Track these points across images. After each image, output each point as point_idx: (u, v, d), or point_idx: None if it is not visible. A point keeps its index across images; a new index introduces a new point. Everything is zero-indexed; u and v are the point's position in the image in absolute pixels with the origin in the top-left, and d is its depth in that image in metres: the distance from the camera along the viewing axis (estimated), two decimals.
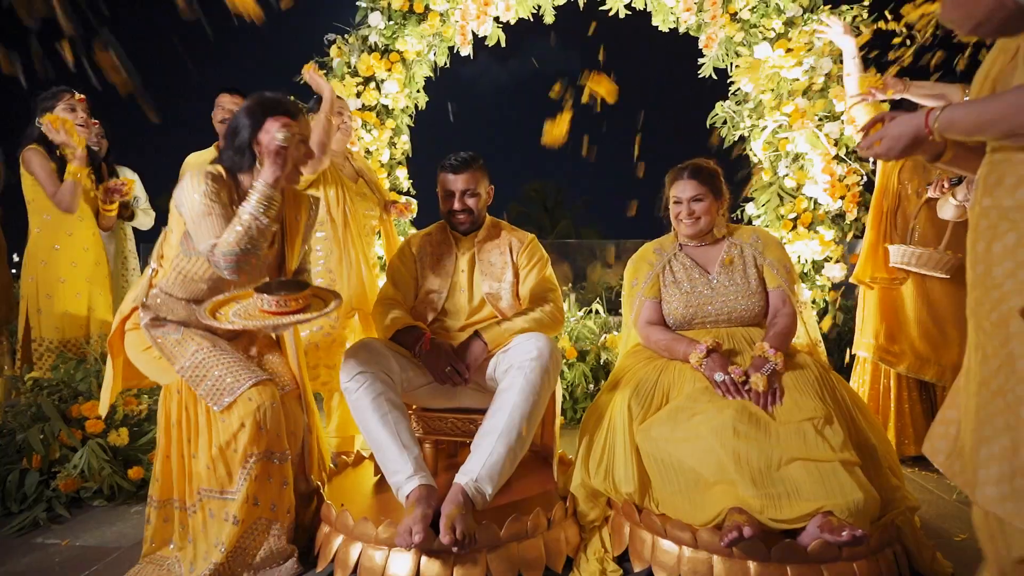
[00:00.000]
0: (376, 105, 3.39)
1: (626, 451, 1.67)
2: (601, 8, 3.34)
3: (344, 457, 2.15)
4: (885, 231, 2.54)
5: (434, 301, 2.03)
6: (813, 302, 3.15)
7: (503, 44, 3.43)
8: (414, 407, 1.98)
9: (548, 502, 1.77)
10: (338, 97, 2.60)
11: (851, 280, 2.73)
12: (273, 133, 1.55)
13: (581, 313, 3.74)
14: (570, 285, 6.76)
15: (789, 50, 3.09)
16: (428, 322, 2.03)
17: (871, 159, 3.02)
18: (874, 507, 1.44)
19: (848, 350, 2.72)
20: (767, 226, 3.21)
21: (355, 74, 3.34)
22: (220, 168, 1.63)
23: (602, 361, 3.35)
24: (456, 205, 2.01)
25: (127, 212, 3.20)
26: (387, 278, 2.12)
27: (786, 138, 3.13)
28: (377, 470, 1.97)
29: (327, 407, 2.64)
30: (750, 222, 3.29)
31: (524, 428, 1.64)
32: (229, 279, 1.56)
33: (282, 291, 1.54)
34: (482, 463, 1.59)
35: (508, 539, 1.56)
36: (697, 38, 3.35)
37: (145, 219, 3.30)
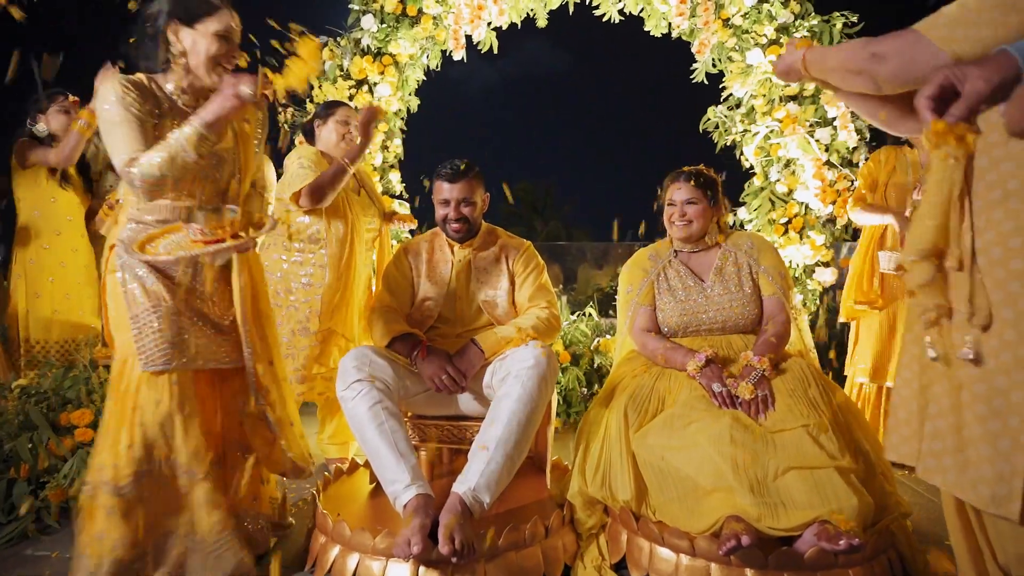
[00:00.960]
0: None
1: (623, 458, 1.67)
2: (594, 12, 3.35)
3: (339, 465, 2.13)
4: (872, 254, 2.61)
5: (430, 309, 2.03)
6: (804, 305, 3.17)
7: (495, 50, 3.43)
8: (409, 414, 1.98)
9: (544, 509, 1.77)
10: (344, 104, 2.57)
11: (842, 320, 2.80)
12: (239, 87, 1.43)
13: (574, 317, 3.74)
14: (561, 287, 6.77)
15: (781, 56, 3.11)
16: (424, 330, 2.02)
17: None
18: (869, 513, 1.46)
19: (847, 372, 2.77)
20: (758, 231, 3.24)
21: (347, 77, 3.32)
22: (141, 75, 1.53)
23: (595, 365, 3.36)
24: (451, 214, 2.00)
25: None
26: (382, 285, 2.10)
27: (778, 143, 3.15)
28: (372, 478, 1.96)
29: (321, 415, 2.63)
30: (742, 226, 3.31)
31: (522, 437, 1.64)
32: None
33: (211, 219, 1.49)
34: (480, 472, 1.58)
35: (506, 548, 1.56)
36: (690, 43, 3.37)
37: None
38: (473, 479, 1.58)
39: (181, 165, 1.44)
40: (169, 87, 1.56)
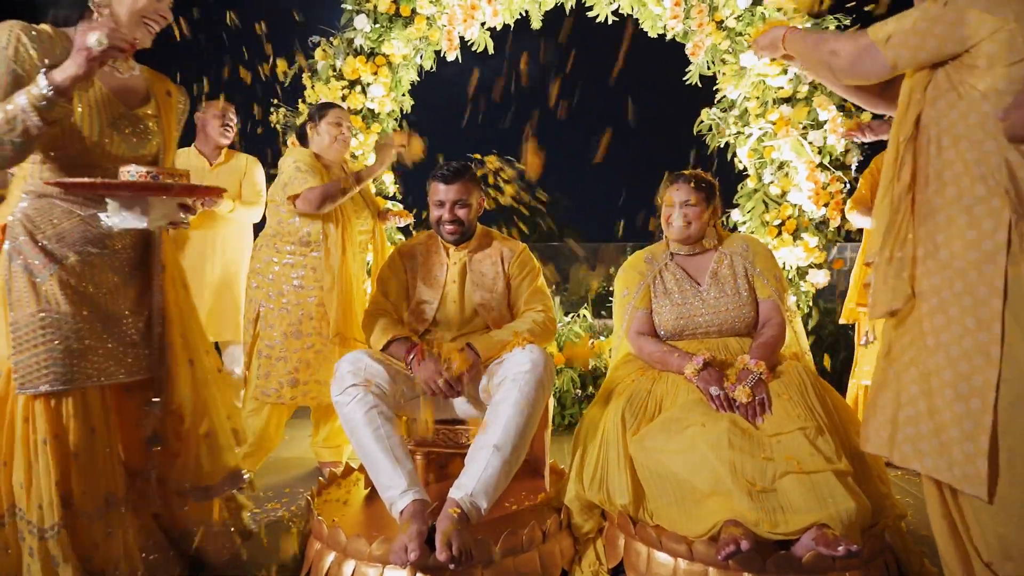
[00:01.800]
0: (362, 109, 3.35)
1: (620, 462, 1.66)
2: (588, 14, 3.35)
3: (333, 470, 2.11)
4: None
5: (425, 312, 2.01)
6: (798, 307, 3.19)
7: (491, 51, 3.42)
8: (404, 418, 1.96)
9: (541, 514, 1.76)
10: (337, 106, 2.55)
11: (841, 321, 2.85)
12: (86, 37, 1.19)
13: (568, 319, 3.74)
14: (555, 287, 6.77)
15: (774, 59, 3.12)
16: (419, 333, 2.00)
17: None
18: (866, 516, 1.46)
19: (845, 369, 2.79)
20: (752, 232, 3.25)
21: (340, 77, 3.30)
22: (47, 27, 1.37)
23: (590, 366, 3.36)
24: (446, 215, 1.98)
25: None
26: (376, 288, 2.09)
27: (771, 146, 3.16)
28: (367, 483, 1.94)
29: (315, 418, 2.60)
30: (736, 228, 3.32)
31: (519, 441, 1.63)
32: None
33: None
34: (477, 477, 1.57)
35: (504, 554, 1.55)
36: (684, 45, 3.37)
37: None
38: (470, 484, 1.57)
39: (22, 131, 1.21)
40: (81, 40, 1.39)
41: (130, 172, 1.32)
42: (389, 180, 3.48)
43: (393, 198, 3.49)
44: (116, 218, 1.36)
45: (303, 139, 2.54)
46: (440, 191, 1.99)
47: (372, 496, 1.88)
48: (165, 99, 1.55)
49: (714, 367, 1.76)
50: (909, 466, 1.23)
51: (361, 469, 2.03)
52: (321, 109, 2.49)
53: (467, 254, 2.06)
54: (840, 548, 1.33)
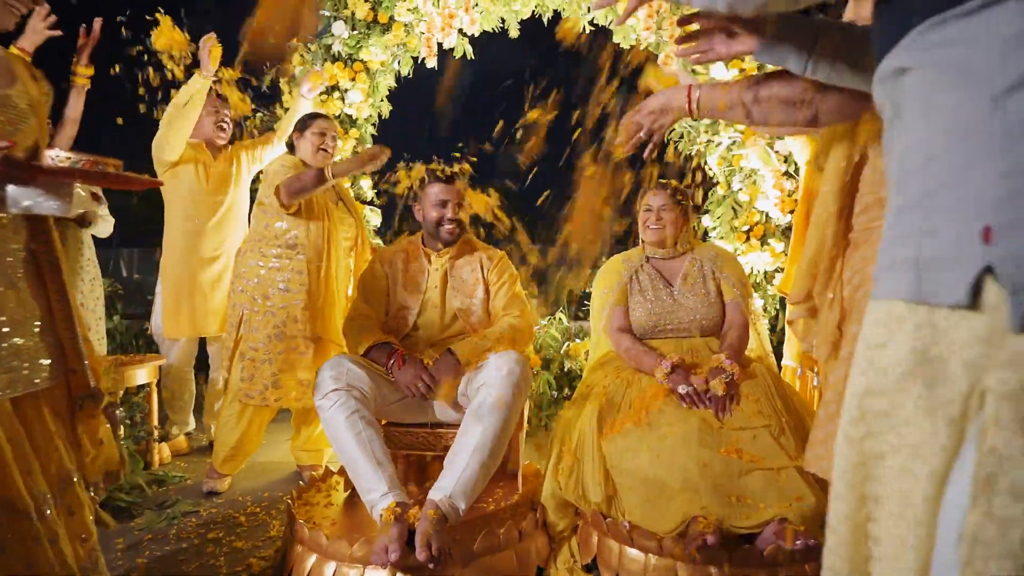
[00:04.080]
0: (340, 114, 3.37)
1: (595, 462, 1.73)
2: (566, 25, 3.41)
3: (313, 473, 2.14)
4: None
5: (405, 317, 2.06)
6: (764, 310, 3.30)
7: (469, 56, 3.46)
8: (383, 421, 2.00)
9: (517, 513, 1.82)
10: (323, 116, 2.58)
11: (787, 299, 2.93)
12: None
13: (545, 321, 3.81)
14: (530, 290, 6.83)
15: (742, 70, 3.23)
16: (400, 338, 2.05)
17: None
18: (825, 510, 1.55)
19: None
20: (722, 238, 3.35)
21: None
22: None
23: (566, 369, 3.43)
24: (449, 214, 2.04)
25: (85, 218, 3.07)
26: (357, 293, 2.12)
27: (740, 155, 3.27)
28: (347, 486, 1.98)
29: (295, 422, 2.62)
30: (706, 233, 3.42)
31: (497, 444, 1.69)
32: None
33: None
34: (456, 479, 1.62)
35: (481, 553, 1.60)
36: (656, 56, 3.46)
37: (104, 226, 3.19)
38: (449, 486, 1.62)
39: None
40: None
41: (54, 157, 1.25)
42: (367, 185, 3.51)
43: (371, 203, 3.51)
44: (28, 202, 1.26)
45: (291, 148, 2.61)
46: (442, 192, 2.04)
47: (352, 499, 1.91)
48: (32, 82, 1.43)
49: (682, 368, 1.85)
50: (812, 469, 1.26)
51: (341, 472, 2.06)
52: (306, 120, 2.53)
53: (449, 260, 2.11)
54: (799, 542, 1.42)
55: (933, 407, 0.62)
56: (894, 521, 0.66)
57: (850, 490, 0.72)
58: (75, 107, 2.41)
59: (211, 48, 2.58)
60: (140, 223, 3.17)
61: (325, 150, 2.51)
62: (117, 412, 2.29)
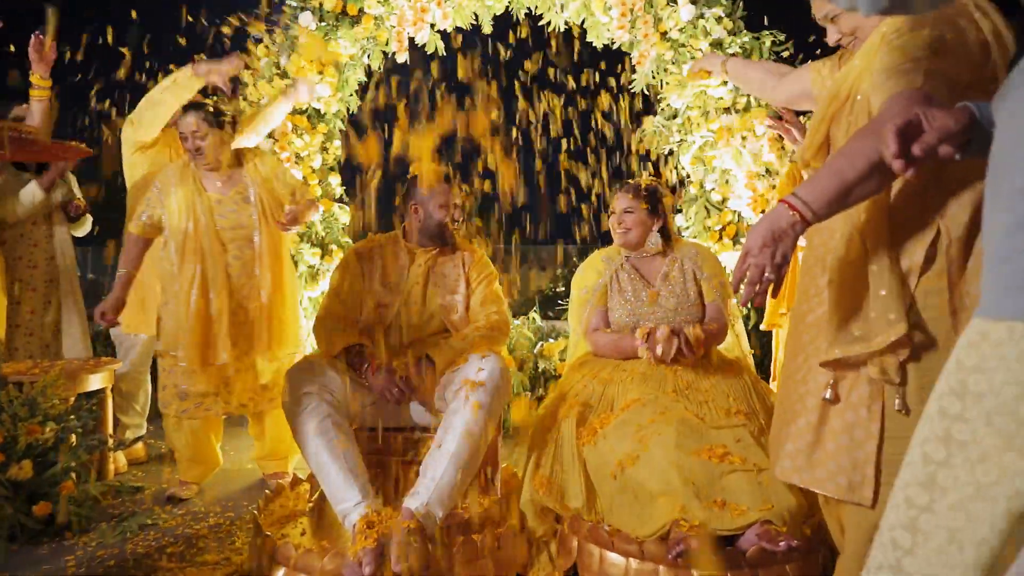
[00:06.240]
0: (307, 109, 3.26)
1: (574, 466, 1.70)
2: (539, 23, 3.38)
3: (280, 481, 2.05)
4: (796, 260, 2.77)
5: (382, 315, 1.99)
6: (740, 309, 3.33)
7: (441, 52, 3.40)
8: (355, 426, 1.93)
9: (494, 519, 1.78)
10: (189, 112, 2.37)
11: (763, 327, 2.95)
12: None
13: (517, 321, 3.76)
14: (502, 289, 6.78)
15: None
16: (375, 336, 1.98)
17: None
18: (805, 511, 1.55)
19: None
20: (695, 237, 3.36)
21: (285, 76, 3.20)
22: None
23: (540, 369, 3.39)
24: (455, 215, 2.05)
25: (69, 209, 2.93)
26: (330, 290, 2.04)
27: (713, 154, 3.28)
28: (313, 489, 1.90)
29: (253, 431, 2.52)
30: (679, 232, 3.43)
31: (475, 450, 1.63)
32: None
33: None
34: (432, 487, 1.57)
35: (460, 561, 1.55)
36: (630, 54, 3.45)
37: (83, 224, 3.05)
38: (425, 494, 1.56)
39: None
40: None
41: None
42: (336, 183, 3.41)
43: (340, 200, 3.42)
44: None
45: None
46: (446, 193, 2.03)
47: (322, 506, 1.84)
48: None
49: (656, 329, 1.87)
50: (790, 480, 1.26)
51: (310, 479, 1.98)
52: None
53: (433, 256, 2.06)
54: (782, 543, 1.40)
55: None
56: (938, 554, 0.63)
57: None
58: (36, 119, 2.32)
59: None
60: (96, 220, 3.02)
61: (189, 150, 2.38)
62: (70, 419, 2.16)
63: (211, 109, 2.35)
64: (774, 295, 1.18)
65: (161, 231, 2.34)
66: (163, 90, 2.45)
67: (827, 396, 1.19)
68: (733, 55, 2.99)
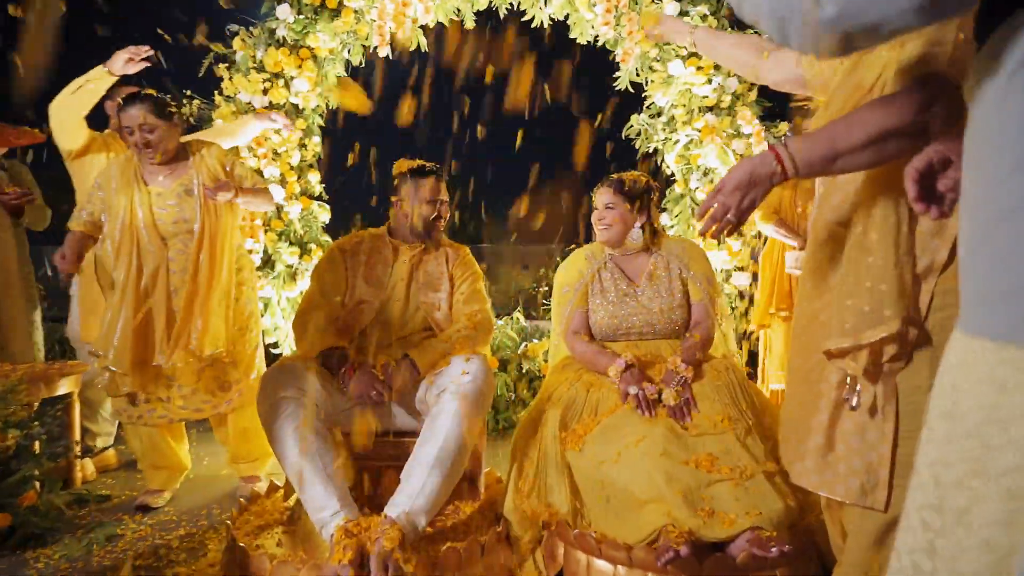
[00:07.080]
0: (285, 104, 3.18)
1: (559, 472, 1.65)
2: (523, 20, 3.34)
3: (255, 488, 1.98)
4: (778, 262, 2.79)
5: (365, 312, 1.93)
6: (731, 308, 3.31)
7: (423, 48, 3.33)
8: (335, 430, 1.86)
9: (479, 526, 1.73)
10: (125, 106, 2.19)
11: (753, 326, 2.96)
12: None
13: (501, 321, 3.72)
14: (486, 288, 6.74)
15: (700, 68, 3.23)
16: (357, 333, 1.92)
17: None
18: (794, 515, 1.52)
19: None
20: (680, 235, 3.34)
21: (261, 69, 3.11)
22: None
23: (524, 370, 3.35)
24: (442, 211, 2.02)
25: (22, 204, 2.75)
26: (312, 285, 1.98)
27: (697, 153, 3.26)
28: (287, 494, 1.83)
29: (219, 436, 2.43)
30: (664, 232, 3.41)
31: (458, 455, 1.58)
32: None
33: None
34: (415, 494, 1.51)
35: (443, 570, 1.50)
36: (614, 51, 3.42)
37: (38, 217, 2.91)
38: (407, 502, 1.50)
39: None
40: None
41: None
42: (315, 180, 3.33)
43: (319, 198, 3.34)
44: None
45: None
46: (434, 188, 2.00)
47: (299, 515, 1.77)
48: None
49: (636, 368, 1.78)
50: (800, 483, 1.25)
51: (286, 485, 1.91)
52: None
53: (419, 253, 2.02)
54: (773, 549, 1.37)
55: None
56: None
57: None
58: None
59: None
60: (63, 218, 2.84)
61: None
62: (33, 425, 2.06)
63: (156, 98, 2.18)
64: (731, 233, 1.15)
65: (101, 229, 2.20)
66: (72, 92, 2.36)
67: (853, 404, 1.14)
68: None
